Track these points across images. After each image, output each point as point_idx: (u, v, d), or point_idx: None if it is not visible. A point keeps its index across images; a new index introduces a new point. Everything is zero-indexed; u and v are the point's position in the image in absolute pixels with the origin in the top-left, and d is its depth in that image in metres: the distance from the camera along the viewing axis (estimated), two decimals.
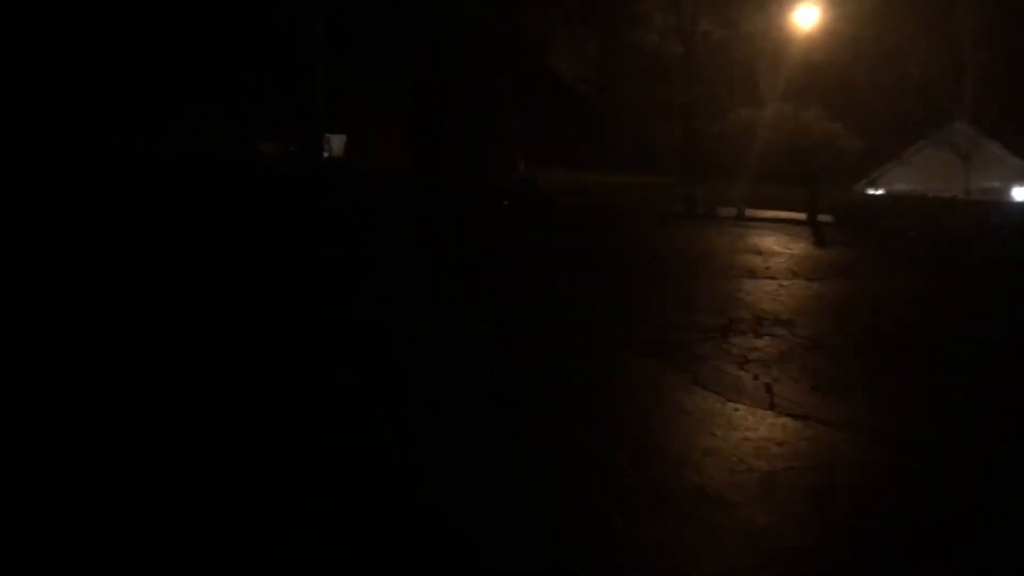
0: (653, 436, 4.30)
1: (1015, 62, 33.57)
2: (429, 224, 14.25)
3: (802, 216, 18.76)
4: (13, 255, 8.44)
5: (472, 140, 18.92)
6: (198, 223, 11.89)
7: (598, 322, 7.16)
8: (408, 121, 25.53)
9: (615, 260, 11.60)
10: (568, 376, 5.36)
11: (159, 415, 4.26)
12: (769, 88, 33.99)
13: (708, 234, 15.15)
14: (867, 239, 16.13)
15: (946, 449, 4.31)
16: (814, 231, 15.97)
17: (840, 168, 35.38)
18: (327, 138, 27.73)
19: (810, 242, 14.28)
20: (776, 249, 12.79)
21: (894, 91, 35.54)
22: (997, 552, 3.24)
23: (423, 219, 14.82)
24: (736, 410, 4.66)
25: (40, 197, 12.96)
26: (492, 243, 12.48)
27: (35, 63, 22.17)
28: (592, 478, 3.66)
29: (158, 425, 4.13)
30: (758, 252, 12.25)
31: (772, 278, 9.77)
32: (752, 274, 10.02)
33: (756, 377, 5.34)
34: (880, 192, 37.59)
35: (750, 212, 19.20)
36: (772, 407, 4.73)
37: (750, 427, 4.39)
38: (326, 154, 27.26)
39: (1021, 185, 38.31)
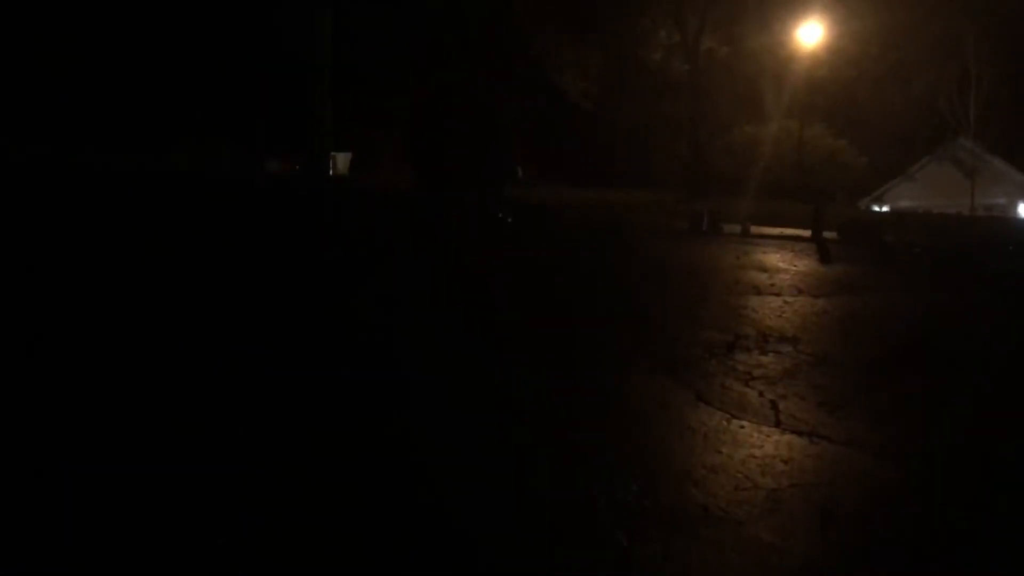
0: (657, 452, 4.27)
1: (1019, 78, 33.62)
2: (433, 240, 14.26)
3: (807, 233, 18.77)
4: (18, 266, 8.47)
5: (475, 157, 18.99)
6: (202, 238, 11.92)
7: (601, 339, 7.14)
8: (411, 138, 25.62)
9: (618, 276, 11.60)
10: (571, 392, 5.34)
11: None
12: (773, 105, 34.08)
13: (713, 250, 15.15)
14: (872, 256, 16.12)
15: (953, 466, 4.28)
16: (819, 248, 15.95)
17: (845, 184, 35.42)
18: (332, 156, 27.87)
19: (815, 259, 14.27)
20: (781, 266, 12.78)
21: (898, 107, 35.60)
22: (1005, 571, 3.21)
23: (426, 236, 14.84)
24: (741, 427, 4.64)
25: (45, 213, 13.00)
26: (493, 259, 12.47)
27: (43, 83, 22.33)
28: (596, 494, 3.63)
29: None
30: (763, 269, 12.24)
31: (777, 294, 9.76)
32: (757, 290, 10.01)
33: (761, 394, 5.32)
34: (885, 208, 37.61)
35: (755, 228, 19.22)
36: (778, 424, 4.71)
37: (755, 444, 4.37)
38: (330, 172, 27.38)
39: None
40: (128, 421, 4.25)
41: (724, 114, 34.83)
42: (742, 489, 3.75)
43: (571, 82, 33.60)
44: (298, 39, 23.30)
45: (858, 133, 35.60)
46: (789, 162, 31.73)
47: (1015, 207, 38.08)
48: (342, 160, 30.72)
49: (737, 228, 19.78)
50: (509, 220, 18.18)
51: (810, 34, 30.15)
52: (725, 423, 4.71)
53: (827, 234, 18.74)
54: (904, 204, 36.35)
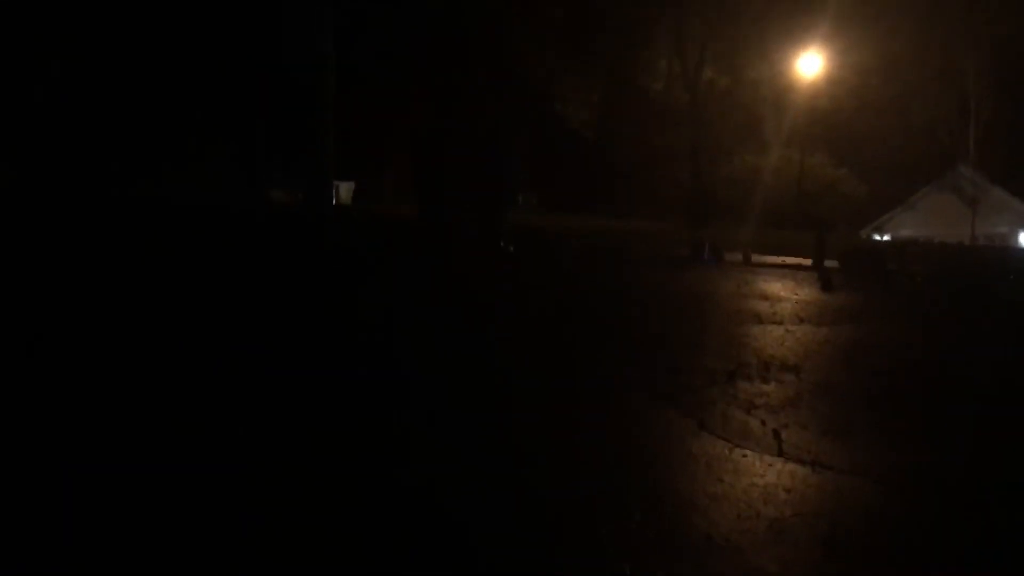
0: (660, 481, 4.25)
1: (1020, 107, 33.80)
2: (436, 268, 14.30)
3: (808, 261, 18.79)
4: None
5: (476, 187, 19.12)
6: (218, 262, 11.99)
7: (603, 367, 7.13)
8: (414, 168, 25.76)
9: (620, 304, 11.60)
10: (573, 420, 5.32)
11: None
12: (774, 134, 34.24)
13: (714, 279, 15.15)
14: (874, 284, 16.12)
15: (957, 495, 4.26)
16: (821, 276, 15.96)
17: (846, 213, 35.47)
18: (336, 185, 28.00)
19: (817, 287, 14.27)
20: (783, 294, 12.78)
21: (899, 137, 35.74)
22: None
23: (430, 263, 14.88)
24: (744, 455, 4.62)
25: (45, 245, 13.04)
26: (495, 287, 12.49)
27: (41, 110, 22.44)
28: (598, 522, 3.61)
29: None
30: (765, 297, 12.25)
31: (779, 323, 9.75)
32: (759, 319, 10.01)
33: (764, 422, 5.30)
34: (886, 237, 37.63)
35: (756, 257, 19.24)
36: (780, 452, 4.69)
37: (758, 473, 4.34)
38: (334, 201, 27.51)
39: None
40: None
41: (725, 143, 35.00)
42: (745, 518, 3.72)
43: (572, 111, 33.83)
44: (302, 72, 23.47)
45: (859, 162, 35.75)
46: (790, 191, 31.84)
47: (1016, 236, 38.11)
48: (345, 189, 30.87)
49: (738, 256, 19.80)
50: (511, 248, 18.22)
51: (810, 65, 30.39)
52: (727, 451, 4.68)
53: (829, 263, 18.75)
54: (905, 233, 36.39)
